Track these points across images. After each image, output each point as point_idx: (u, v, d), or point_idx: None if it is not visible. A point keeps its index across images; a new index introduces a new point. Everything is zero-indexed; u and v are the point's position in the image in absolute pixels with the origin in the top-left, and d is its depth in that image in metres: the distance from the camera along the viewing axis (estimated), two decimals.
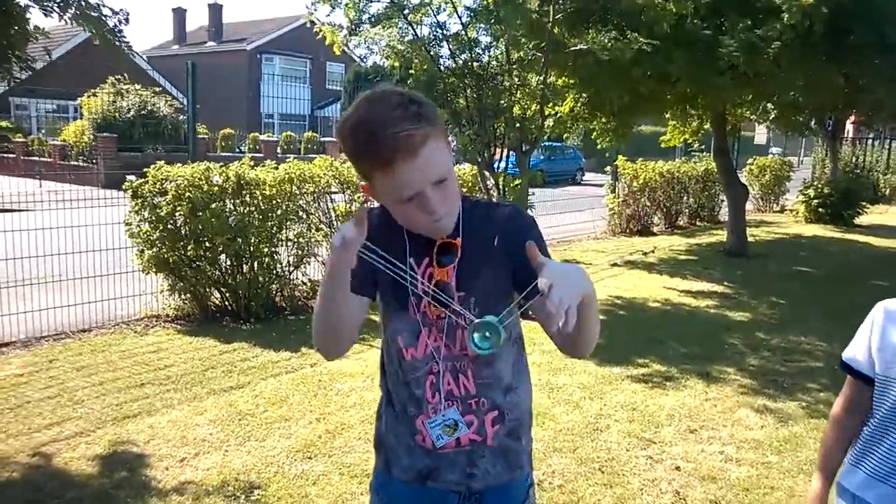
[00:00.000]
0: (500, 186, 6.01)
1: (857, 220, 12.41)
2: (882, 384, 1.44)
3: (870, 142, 17.03)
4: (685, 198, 12.20)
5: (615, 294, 6.86)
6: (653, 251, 9.39)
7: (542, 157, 21.96)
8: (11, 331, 4.81)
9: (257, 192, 5.56)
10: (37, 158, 15.52)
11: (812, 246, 10.35)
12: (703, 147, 12.70)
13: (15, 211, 7.03)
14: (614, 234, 11.20)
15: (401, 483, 1.42)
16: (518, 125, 5.71)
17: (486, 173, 6.04)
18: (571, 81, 6.78)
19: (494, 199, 6.15)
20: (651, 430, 3.67)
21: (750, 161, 14.43)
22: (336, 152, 22.30)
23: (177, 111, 18.81)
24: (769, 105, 9.32)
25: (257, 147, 20.86)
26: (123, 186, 5.32)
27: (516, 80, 5.75)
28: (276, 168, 5.87)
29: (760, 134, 15.01)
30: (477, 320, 1.12)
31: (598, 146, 9.67)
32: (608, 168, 11.78)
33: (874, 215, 12.94)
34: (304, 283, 6.13)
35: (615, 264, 8.49)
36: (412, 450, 1.38)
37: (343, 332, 1.33)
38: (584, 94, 6.64)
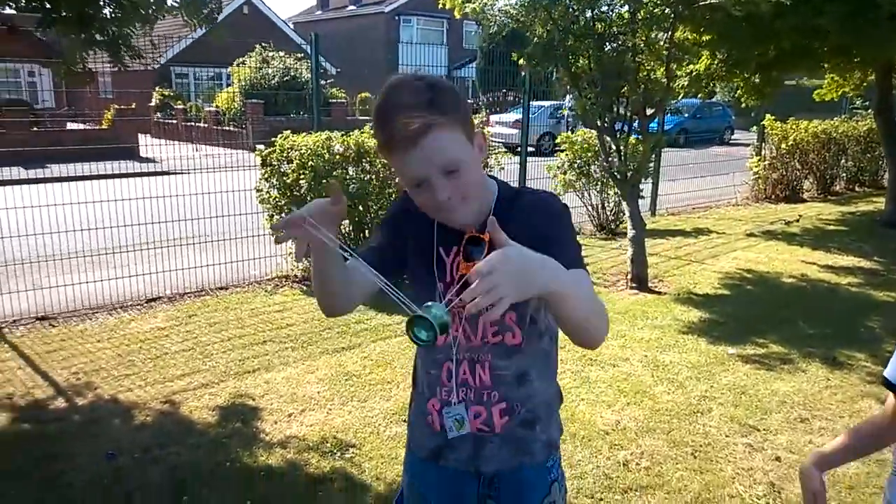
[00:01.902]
0: (622, 151, 5.79)
1: None
2: None
3: None
4: (843, 160, 11.13)
5: (745, 267, 6.47)
6: (797, 220, 8.70)
7: (686, 116, 20.81)
8: (160, 287, 5.39)
9: (377, 160, 5.76)
10: (194, 124, 16.91)
11: None
12: (867, 103, 11.46)
13: (173, 173, 7.78)
14: (757, 200, 10.48)
15: (419, 460, 1.50)
16: (642, 87, 5.44)
17: (607, 138, 5.84)
18: (706, 38, 6.34)
19: (615, 165, 5.95)
20: (757, 417, 3.50)
21: None
22: None
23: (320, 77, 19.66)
24: None
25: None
26: (254, 154, 5.73)
27: (641, 39, 5.47)
28: None
29: None
30: (416, 313, 1.06)
31: (743, 105, 9.01)
32: (755, 128, 10.97)
33: None
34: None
35: (751, 234, 7.97)
36: (424, 429, 1.44)
37: (337, 296, 1.34)
38: (719, 52, 6.18)
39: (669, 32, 5.38)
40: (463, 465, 1.43)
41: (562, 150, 7.94)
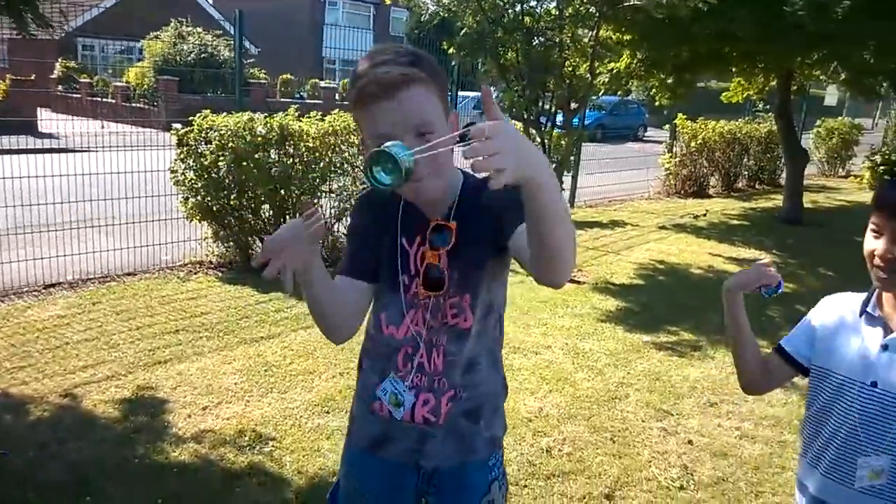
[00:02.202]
0: (546, 144, 5.89)
1: None
2: (817, 376, 1.46)
3: None
4: (745, 160, 11.74)
5: (658, 258, 6.72)
6: (704, 215, 9.11)
7: (604, 112, 21.38)
8: (60, 272, 5.04)
9: (301, 144, 5.60)
10: (100, 99, 15.99)
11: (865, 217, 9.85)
12: (767, 107, 12.10)
13: (76, 151, 7.31)
14: (668, 194, 10.90)
15: (358, 450, 1.46)
16: (567, 82, 5.54)
17: (533, 131, 5.92)
18: (627, 38, 6.51)
19: None
20: (670, 402, 3.64)
21: (818, 123, 13.71)
22: None
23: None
24: (839, 66, 8.76)
25: (316, 93, 20.93)
26: (170, 133, 5.46)
27: (567, 36, 5.56)
28: (322, 120, 5.89)
29: (831, 95, 14.15)
30: (375, 149, 0.98)
31: (657, 103, 9.34)
32: (667, 126, 11.40)
33: None
34: (345, 235, 6.19)
35: (663, 227, 8.29)
36: (368, 417, 1.39)
37: (333, 320, 1.32)
38: (639, 52, 6.37)
39: (595, 31, 5.50)
40: (403, 457, 1.40)
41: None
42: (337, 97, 20.79)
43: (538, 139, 6.00)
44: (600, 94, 6.67)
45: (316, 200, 5.73)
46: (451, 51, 6.27)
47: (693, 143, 10.44)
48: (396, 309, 1.34)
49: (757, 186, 11.92)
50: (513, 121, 7.58)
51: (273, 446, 2.96)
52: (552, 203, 0.99)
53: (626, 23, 6.29)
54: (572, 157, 6.02)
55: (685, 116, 10.41)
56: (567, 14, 5.69)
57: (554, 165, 5.87)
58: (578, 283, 5.73)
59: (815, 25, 5.68)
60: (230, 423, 3.12)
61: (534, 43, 5.72)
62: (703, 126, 10.51)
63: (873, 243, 1.34)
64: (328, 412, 3.30)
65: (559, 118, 6.09)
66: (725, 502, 2.77)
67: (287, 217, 5.60)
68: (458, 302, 1.32)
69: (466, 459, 1.39)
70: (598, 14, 5.71)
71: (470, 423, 1.38)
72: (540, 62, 5.76)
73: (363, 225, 1.41)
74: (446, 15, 5.84)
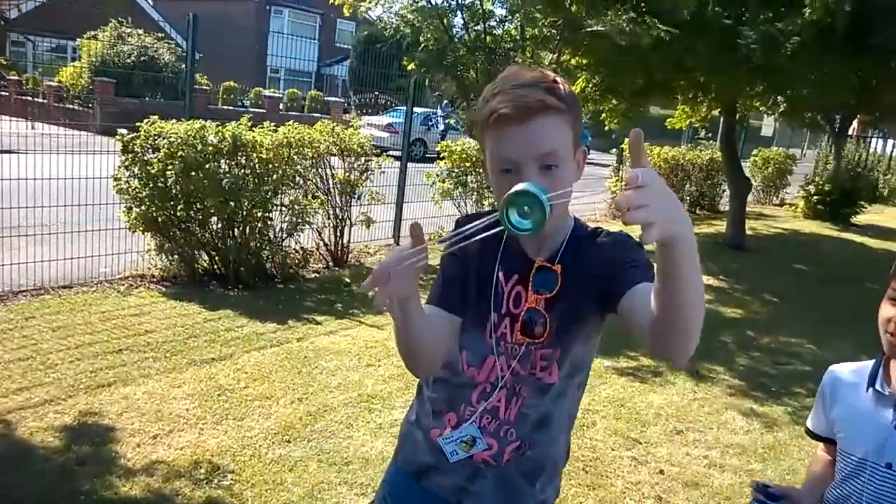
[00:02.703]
0: None
1: (855, 220, 12.31)
2: (839, 454, 1.45)
3: (873, 141, 16.87)
4: (687, 185, 12.06)
5: None
6: None
7: None
8: None
9: (254, 155, 5.40)
10: (31, 99, 15.18)
11: (809, 243, 10.27)
12: (709, 135, 12.51)
13: (3, 152, 6.85)
14: (614, 217, 11.06)
15: (403, 474, 1.39)
16: None
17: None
18: (585, 62, 6.58)
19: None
20: (637, 430, 3.61)
21: (755, 152, 14.26)
22: (340, 113, 21.82)
23: (179, 59, 18.42)
24: (779, 98, 9.14)
25: (260, 102, 20.49)
26: (115, 139, 5.17)
27: (529, 57, 5.57)
28: (275, 130, 5.70)
29: (767, 126, 14.81)
30: (512, 190, 0.91)
31: (607, 127, 9.49)
32: (614, 150, 11.62)
33: (871, 215, 12.86)
34: (297, 252, 6.01)
35: None
36: (421, 442, 1.33)
37: (423, 354, 1.19)
38: (597, 77, 6.45)
39: (556, 54, 5.52)
40: (448, 492, 1.32)
41: (440, 158, 7.94)
42: (282, 107, 20.43)
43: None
44: None
45: (268, 215, 5.53)
46: (410, 66, 6.19)
47: None
48: (480, 350, 1.26)
49: (698, 212, 12.25)
50: (470, 139, 7.55)
51: (232, 479, 2.76)
52: (693, 265, 0.90)
53: (584, 48, 6.35)
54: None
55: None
56: (528, 35, 5.70)
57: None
58: None
59: (766, 59, 5.87)
60: (184, 454, 2.90)
61: (495, 63, 5.69)
62: (648, 152, 10.72)
63: (890, 311, 1.32)
64: (289, 441, 3.12)
65: None
66: None
67: (236, 230, 5.38)
68: (549, 354, 1.24)
69: None
70: (558, 37, 5.74)
71: (525, 482, 1.30)
72: None
73: (463, 251, 1.23)
74: (408, 29, 5.75)
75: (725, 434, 3.66)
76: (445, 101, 17.82)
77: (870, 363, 1.41)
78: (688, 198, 12.23)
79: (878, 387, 1.36)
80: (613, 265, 1.16)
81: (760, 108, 10.09)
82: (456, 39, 5.70)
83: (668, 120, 10.82)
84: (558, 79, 1.16)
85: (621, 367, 4.47)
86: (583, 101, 7.40)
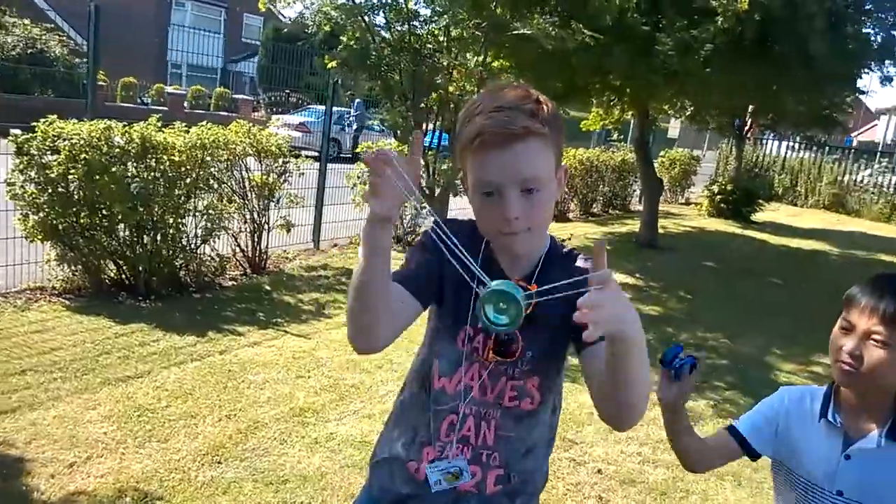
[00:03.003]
0: (430, 168, 5.80)
1: (754, 217, 13.05)
2: (780, 471, 1.48)
3: (769, 142, 17.95)
4: (601, 186, 12.42)
5: None
6: (569, 239, 9.46)
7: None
8: None
9: (164, 158, 5.09)
10: None
11: (715, 240, 10.78)
12: (621, 137, 12.92)
13: None
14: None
15: (375, 501, 1.36)
16: (453, 105, 5.50)
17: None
18: (507, 64, 6.61)
19: (424, 181, 5.92)
20: (573, 430, 3.63)
21: (662, 154, 14.86)
22: (249, 112, 21.05)
23: (71, 53, 17.29)
24: (686, 101, 9.55)
25: (162, 100, 19.57)
26: (7, 140, 4.74)
27: (454, 58, 5.53)
28: (187, 131, 5.40)
29: (674, 128, 15.49)
30: (489, 288, 0.94)
31: None
32: None
33: (768, 213, 13.65)
34: (213, 259, 5.73)
35: None
36: (398, 473, 1.30)
37: (376, 318, 1.10)
38: (521, 80, 6.51)
39: (483, 56, 5.51)
40: None
41: (361, 159, 7.82)
42: (186, 105, 19.59)
43: (422, 162, 5.89)
44: None
45: (181, 221, 5.24)
46: (331, 65, 6.03)
47: None
48: (452, 359, 1.25)
49: (611, 211, 12.64)
50: (395, 141, 7.46)
51: None
52: (638, 360, 1.01)
53: (506, 50, 6.38)
54: (458, 181, 5.97)
55: None
56: (454, 36, 5.66)
57: (439, 190, 5.81)
58: None
59: (681, 65, 6.08)
60: (106, 482, 2.67)
61: (420, 65, 5.62)
62: (565, 153, 10.97)
63: (842, 340, 1.34)
64: (220, 462, 2.93)
65: (444, 141, 6.04)
66: None
67: (146, 237, 5.06)
68: (521, 385, 1.24)
69: None
70: (483, 39, 5.73)
71: (508, 502, 1.30)
72: (425, 84, 5.69)
73: (438, 250, 1.17)
74: (329, 27, 5.58)
75: (655, 430, 3.72)
76: (358, 100, 17.55)
77: (821, 389, 1.44)
78: (601, 198, 12.60)
79: (829, 417, 1.38)
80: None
81: (669, 112, 10.50)
82: (380, 39, 5.59)
83: (583, 122, 11.09)
84: (541, 98, 1.15)
85: None
86: None
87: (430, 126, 5.81)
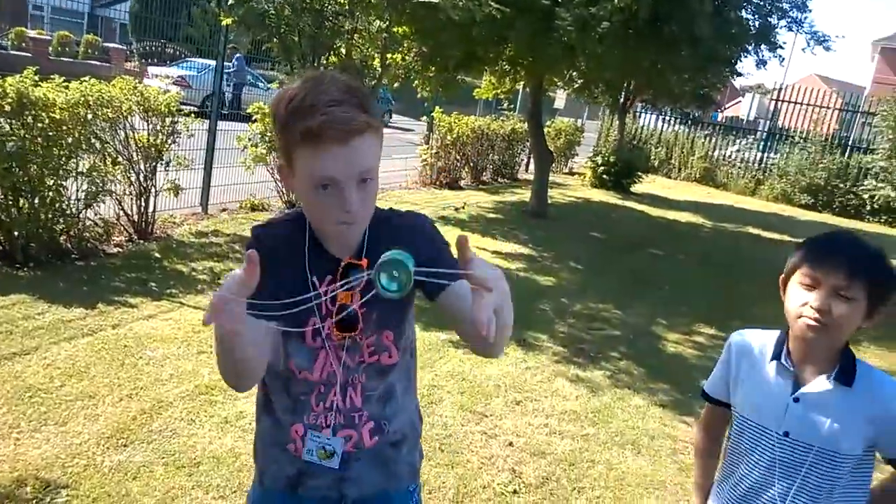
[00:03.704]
0: None
1: (633, 189, 13.79)
2: (736, 419, 1.58)
3: (645, 116, 18.92)
4: (491, 154, 12.64)
5: None
6: (463, 207, 9.62)
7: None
8: None
9: (43, 115, 4.68)
10: None
11: (600, 211, 11.30)
12: (511, 106, 13.16)
13: None
14: (425, 185, 11.30)
15: (273, 493, 1.40)
16: (358, 71, 5.39)
17: None
18: (407, 31, 6.54)
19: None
20: (482, 403, 3.76)
21: (548, 123, 15.31)
22: (121, 62, 19.56)
23: None
24: (575, 75, 9.86)
25: (24, 45, 17.75)
26: None
27: (356, 23, 5.41)
28: (67, 87, 4.98)
29: (560, 99, 15.96)
30: (384, 258, 0.99)
31: (419, 95, 9.57)
32: (424, 117, 11.79)
33: (646, 184, 14.46)
34: (97, 224, 5.37)
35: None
36: (281, 457, 1.36)
37: (253, 370, 1.22)
38: (423, 47, 6.46)
39: (387, 21, 5.42)
40: (325, 490, 1.36)
41: (252, 121, 7.53)
42: (51, 51, 17.91)
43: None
44: (393, 84, 6.64)
45: (61, 183, 4.87)
46: (226, 21, 5.73)
47: (449, 137, 10.95)
48: (307, 353, 1.29)
49: (500, 180, 12.92)
50: None
51: (68, 496, 2.44)
52: (508, 308, 1.10)
53: (407, 16, 6.31)
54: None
55: (441, 110, 10.86)
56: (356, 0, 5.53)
57: None
58: None
59: (578, 41, 6.27)
60: (1, 471, 2.50)
61: (321, 27, 5.46)
62: (458, 120, 11.07)
63: (805, 295, 1.40)
64: (126, 445, 2.82)
65: None
66: (556, 502, 2.95)
67: (23, 200, 4.67)
68: (376, 340, 1.31)
69: (390, 487, 1.40)
70: (385, 4, 5.63)
71: (394, 451, 1.40)
72: (325, 47, 5.54)
73: (267, 260, 1.15)
74: None
75: (559, 401, 3.93)
76: (238, 56, 16.71)
77: (774, 333, 1.52)
78: (490, 166, 12.85)
79: (782, 360, 1.47)
80: (423, 255, 1.14)
81: (559, 84, 10.81)
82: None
83: (476, 90, 11.19)
84: (358, 86, 1.19)
85: (456, 339, 4.59)
86: (405, 71, 7.41)
87: None
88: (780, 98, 18.21)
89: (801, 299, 1.41)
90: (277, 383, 1.33)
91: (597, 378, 4.34)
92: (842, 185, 15.60)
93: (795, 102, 17.87)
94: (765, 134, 18.26)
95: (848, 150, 16.12)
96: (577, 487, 3.08)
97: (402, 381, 1.39)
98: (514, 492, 2.96)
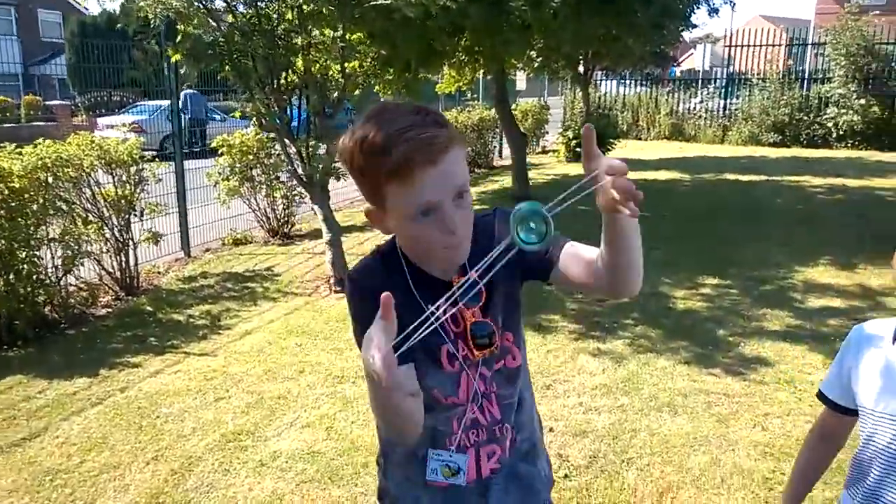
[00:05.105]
0: (304, 155, 5.52)
1: (608, 156, 13.69)
2: (863, 414, 1.39)
3: (605, 83, 18.92)
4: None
5: None
6: None
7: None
8: None
9: (1, 186, 4.49)
10: None
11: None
12: (474, 96, 13.06)
13: None
14: None
15: None
16: (320, 86, 5.24)
17: (287, 141, 5.51)
18: (362, 36, 6.39)
19: (300, 168, 5.64)
20: None
21: (513, 106, 15.23)
22: (68, 118, 19.12)
23: None
24: (534, 54, 9.78)
25: None
26: None
27: (310, 36, 5.25)
28: (20, 153, 4.79)
29: (521, 80, 15.91)
30: (519, 211, 0.96)
31: (381, 98, 9.41)
32: None
33: (618, 150, 14.44)
34: (80, 288, 5.19)
35: None
36: (422, 493, 1.28)
37: (416, 422, 1.15)
38: (382, 51, 6.31)
39: (342, 30, 5.27)
40: None
41: (216, 154, 7.39)
42: None
43: (293, 148, 5.61)
44: (356, 94, 6.49)
45: (34, 253, 4.68)
46: (175, 57, 5.56)
47: None
48: (447, 381, 1.23)
49: (477, 170, 12.81)
50: (255, 129, 7.06)
51: None
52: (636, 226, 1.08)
53: (357, 21, 6.17)
54: (336, 164, 5.75)
55: None
56: (306, 13, 5.37)
57: (318, 176, 5.57)
58: None
59: (534, 19, 6.18)
60: None
61: (275, 47, 5.29)
62: None
63: None
64: None
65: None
66: (608, 479, 2.85)
67: None
68: (506, 346, 1.27)
69: (528, 503, 1.34)
70: (336, 12, 5.48)
71: (529, 466, 1.34)
72: (282, 67, 5.38)
73: (372, 295, 1.07)
74: (174, 16, 5.09)
75: (587, 378, 3.84)
76: (187, 91, 16.41)
77: (891, 320, 1.37)
78: (466, 158, 12.72)
79: None
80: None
81: (518, 66, 10.70)
82: (227, 24, 5.20)
83: (437, 85, 11.07)
84: (426, 106, 1.14)
85: None
86: (363, 76, 7.26)
87: (293, 110, 5.53)
88: (732, 44, 18.31)
89: None
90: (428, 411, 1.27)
91: (618, 348, 4.26)
92: (806, 118, 15.75)
93: (747, 46, 17.99)
94: (723, 82, 18.36)
95: (806, 83, 16.24)
96: (625, 460, 2.99)
97: (528, 386, 1.35)
98: (566, 476, 2.86)
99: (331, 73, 5.53)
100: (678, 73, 19.20)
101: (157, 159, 6.23)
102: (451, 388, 1.23)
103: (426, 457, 1.26)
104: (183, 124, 7.58)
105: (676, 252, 6.41)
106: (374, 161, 1.07)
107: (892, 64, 15.08)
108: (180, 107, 16.84)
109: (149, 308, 5.31)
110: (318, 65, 5.44)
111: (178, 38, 5.29)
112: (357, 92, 7.02)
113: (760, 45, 17.73)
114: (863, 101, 14.61)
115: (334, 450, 3.10)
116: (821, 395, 1.49)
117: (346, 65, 5.49)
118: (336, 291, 5.52)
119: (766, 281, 5.54)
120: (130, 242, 5.64)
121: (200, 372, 4.02)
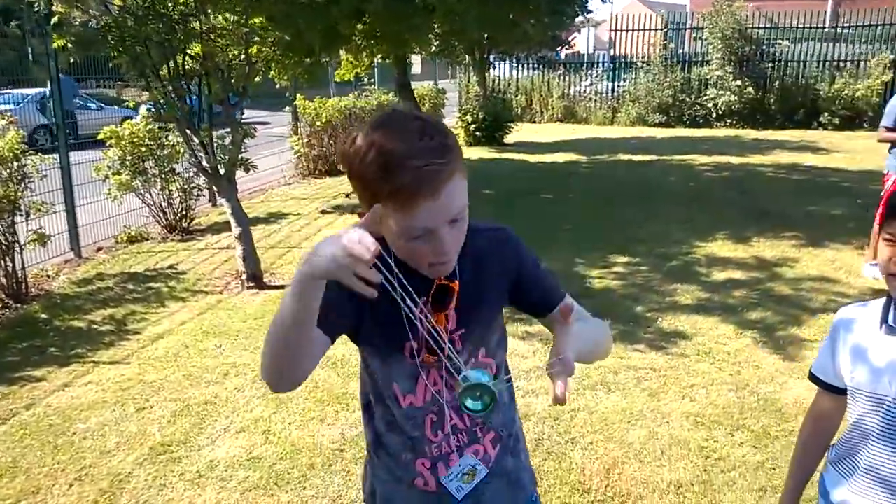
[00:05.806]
0: (207, 145, 5.25)
1: (506, 140, 14.00)
2: (851, 394, 1.45)
3: (501, 66, 19.17)
4: None
5: None
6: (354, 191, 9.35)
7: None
8: None
9: None
10: None
11: (482, 167, 11.36)
12: (371, 81, 12.86)
13: None
14: (304, 176, 10.88)
15: None
16: (222, 73, 4.98)
17: (189, 132, 5.21)
18: (267, 21, 6.13)
19: (203, 159, 5.36)
20: None
21: None
22: None
23: None
24: (432, 37, 9.76)
25: None
26: None
27: (209, 21, 4.98)
28: None
29: (416, 64, 15.82)
30: (466, 383, 1.04)
31: (278, 85, 9.09)
32: (287, 108, 11.31)
33: (516, 133, 14.73)
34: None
35: (325, 211, 8.27)
36: (407, 494, 1.31)
37: (298, 364, 1.10)
38: (285, 35, 6.06)
39: (243, 17, 5.03)
40: None
41: (108, 146, 6.91)
42: None
43: (195, 139, 5.32)
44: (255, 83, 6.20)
45: None
46: (59, 43, 5.13)
47: (318, 123, 10.56)
48: (408, 375, 1.24)
49: None
50: (151, 121, 6.64)
51: None
52: (596, 346, 1.30)
53: (254, 5, 5.92)
54: (243, 154, 5.52)
55: (303, 97, 10.44)
56: None
57: (224, 168, 5.32)
58: (280, 287, 5.36)
59: (437, 2, 6.15)
60: None
61: (172, 32, 4.98)
62: (322, 104, 10.68)
63: (886, 251, 1.36)
64: None
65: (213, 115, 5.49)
66: (556, 460, 2.91)
67: None
68: (475, 350, 1.28)
69: (518, 499, 1.38)
70: None
71: (514, 460, 1.37)
72: (180, 53, 5.08)
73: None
74: (59, 6, 4.67)
75: (519, 361, 3.88)
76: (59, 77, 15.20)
77: (879, 302, 1.44)
78: None
79: (891, 322, 1.38)
80: (517, 273, 1.28)
81: (416, 50, 10.64)
82: (118, 8, 4.84)
83: (337, 72, 10.83)
84: (434, 123, 1.12)
85: None
86: (263, 62, 6.98)
87: (194, 99, 5.24)
88: (614, 28, 19.04)
89: (886, 255, 1.37)
90: (387, 419, 1.29)
91: (544, 330, 4.32)
92: (688, 99, 16.66)
93: (628, 30, 18.76)
94: (609, 65, 19.08)
95: (687, 66, 17.15)
96: (569, 440, 3.07)
97: (506, 389, 1.36)
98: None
99: (233, 59, 5.27)
100: (563, 56, 19.67)
101: (39, 153, 5.74)
102: (408, 384, 1.24)
103: (412, 461, 1.28)
104: (52, 114, 7.01)
105: (585, 232, 6.62)
106: (376, 179, 1.05)
107: (763, 47, 16.19)
108: (47, 95, 15.63)
109: (43, 315, 4.91)
110: (219, 51, 5.16)
111: (55, 20, 4.89)
112: (258, 79, 6.76)
113: (641, 30, 18.54)
114: (738, 83, 15.61)
115: (275, 454, 2.99)
116: (813, 377, 1.56)
117: (249, 50, 5.24)
118: (249, 287, 5.32)
119: (671, 258, 5.82)
120: (16, 245, 5.19)
121: (114, 382, 3.76)
